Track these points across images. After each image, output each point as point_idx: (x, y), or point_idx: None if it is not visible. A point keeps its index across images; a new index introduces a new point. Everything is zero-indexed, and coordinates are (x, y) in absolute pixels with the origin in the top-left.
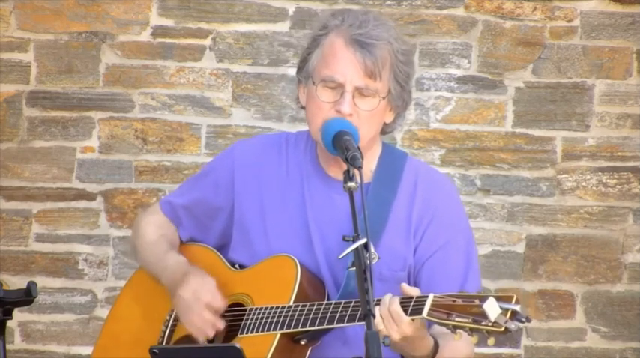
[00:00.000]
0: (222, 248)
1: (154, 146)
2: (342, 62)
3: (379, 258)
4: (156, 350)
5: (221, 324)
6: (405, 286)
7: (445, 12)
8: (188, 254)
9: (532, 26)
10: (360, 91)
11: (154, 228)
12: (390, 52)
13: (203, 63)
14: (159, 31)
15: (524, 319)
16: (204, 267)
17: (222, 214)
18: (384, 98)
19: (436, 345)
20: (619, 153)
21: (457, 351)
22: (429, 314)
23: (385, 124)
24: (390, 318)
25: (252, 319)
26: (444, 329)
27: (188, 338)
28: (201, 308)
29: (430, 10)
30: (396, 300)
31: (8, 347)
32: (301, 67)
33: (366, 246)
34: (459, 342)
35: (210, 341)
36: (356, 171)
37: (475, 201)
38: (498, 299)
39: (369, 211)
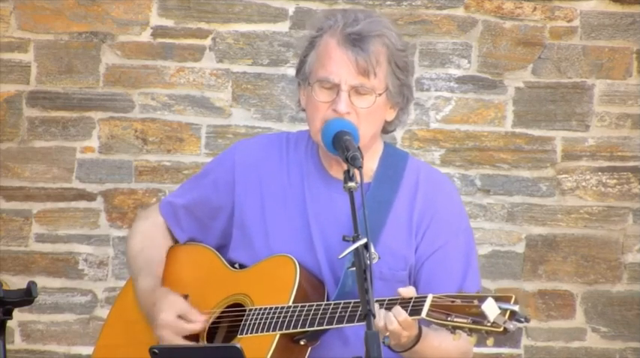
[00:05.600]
0: (222, 248)
1: (154, 146)
2: (336, 62)
3: (379, 258)
4: (156, 350)
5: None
6: (401, 290)
7: (445, 12)
8: (187, 254)
9: (532, 26)
10: (356, 90)
11: (140, 239)
12: (384, 45)
13: (203, 63)
14: (159, 31)
15: (523, 319)
16: (203, 267)
17: (223, 214)
18: (380, 95)
19: (420, 330)
20: (619, 153)
21: (445, 339)
22: (428, 315)
23: (387, 123)
24: (401, 328)
25: (251, 319)
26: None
27: (188, 338)
28: (182, 341)
29: (430, 10)
30: (402, 311)
31: (8, 347)
32: (299, 70)
33: (366, 245)
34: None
35: (210, 341)
36: (356, 171)
37: (475, 201)
38: (497, 299)
39: (369, 211)
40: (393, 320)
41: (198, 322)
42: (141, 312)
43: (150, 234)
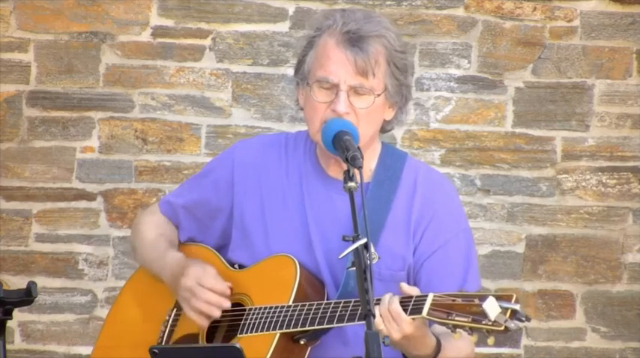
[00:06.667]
0: (221, 248)
1: (153, 146)
2: (335, 62)
3: (379, 258)
4: (156, 350)
5: (227, 304)
6: (404, 285)
7: (445, 12)
8: (187, 254)
9: (532, 26)
10: (355, 90)
11: (153, 227)
12: (383, 45)
13: (203, 63)
14: (159, 31)
15: (524, 318)
16: None
17: (222, 214)
18: (378, 95)
19: (438, 344)
20: (619, 153)
21: (459, 350)
22: (428, 314)
23: (385, 122)
24: (390, 317)
25: (251, 319)
26: (444, 329)
27: (188, 338)
28: (204, 292)
29: (430, 10)
30: (396, 299)
31: (8, 347)
32: (298, 69)
33: (366, 245)
34: (460, 342)
35: (210, 341)
36: (356, 171)
37: (475, 201)
38: (498, 298)
39: (369, 211)
40: (385, 301)
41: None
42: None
43: (162, 224)
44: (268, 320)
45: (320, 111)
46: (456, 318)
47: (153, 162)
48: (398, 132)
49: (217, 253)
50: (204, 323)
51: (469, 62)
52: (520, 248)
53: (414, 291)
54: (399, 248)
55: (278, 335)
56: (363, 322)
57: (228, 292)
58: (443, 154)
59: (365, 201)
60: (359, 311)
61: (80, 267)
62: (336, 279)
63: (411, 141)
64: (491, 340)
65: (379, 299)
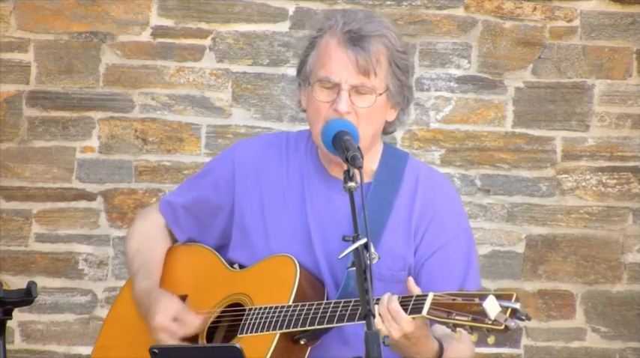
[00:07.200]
0: (221, 248)
1: (153, 146)
2: (336, 62)
3: (379, 258)
4: (156, 350)
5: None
6: (411, 280)
7: (445, 12)
8: (187, 254)
9: (532, 26)
10: (356, 89)
11: (137, 239)
12: (384, 44)
13: (203, 63)
14: (159, 31)
15: (524, 317)
16: (202, 267)
17: (223, 214)
18: (380, 94)
19: (441, 348)
20: (619, 153)
21: (461, 351)
22: (428, 313)
23: (387, 123)
24: (389, 316)
25: (251, 319)
26: (446, 331)
27: (187, 338)
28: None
29: (430, 10)
30: (395, 298)
31: (8, 347)
32: (299, 70)
33: (366, 245)
34: (461, 344)
35: (210, 341)
36: (356, 171)
37: (475, 201)
38: (498, 297)
39: (370, 211)
40: (384, 301)
41: (194, 326)
42: (139, 313)
43: (147, 235)
44: (268, 320)
45: (322, 110)
46: (456, 317)
47: (153, 162)
48: (398, 133)
49: (216, 253)
50: None
51: (469, 62)
52: (520, 248)
53: (418, 290)
54: (399, 248)
55: (278, 335)
56: (363, 322)
57: (200, 328)
58: (443, 154)
59: (366, 201)
60: (359, 311)
61: (80, 266)
62: (336, 279)
63: (411, 141)
64: (491, 339)
65: (379, 299)
